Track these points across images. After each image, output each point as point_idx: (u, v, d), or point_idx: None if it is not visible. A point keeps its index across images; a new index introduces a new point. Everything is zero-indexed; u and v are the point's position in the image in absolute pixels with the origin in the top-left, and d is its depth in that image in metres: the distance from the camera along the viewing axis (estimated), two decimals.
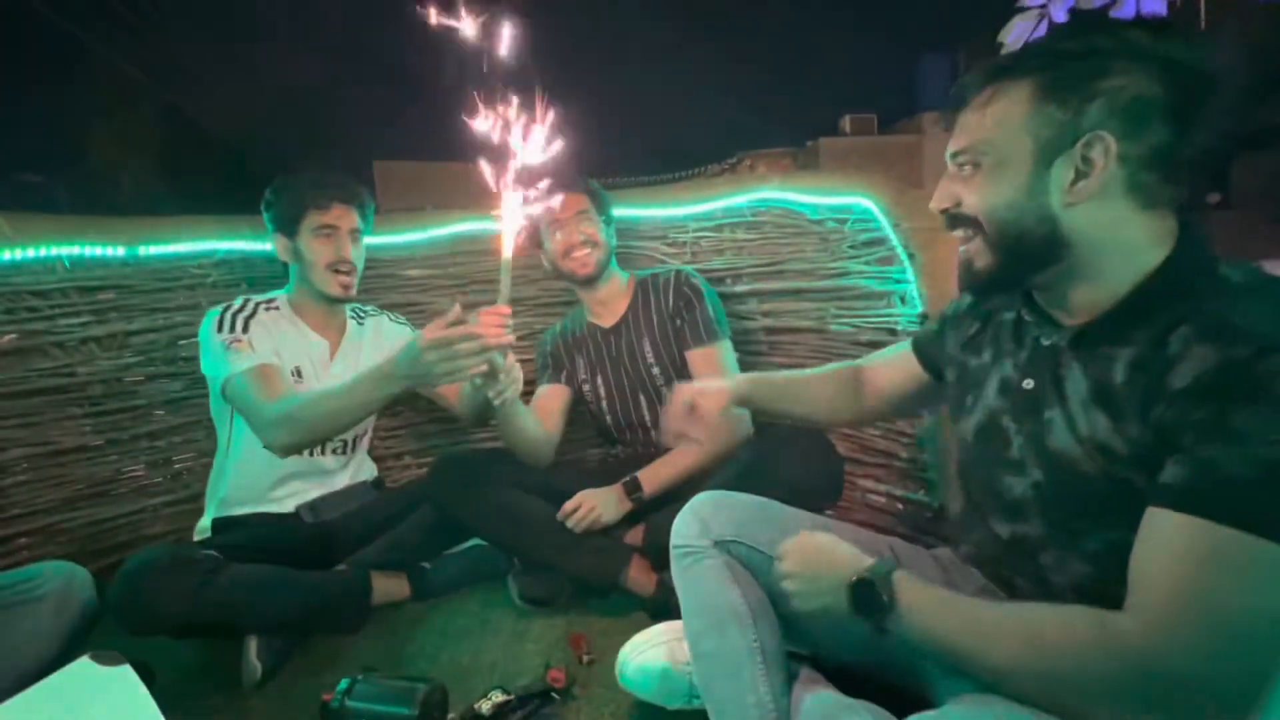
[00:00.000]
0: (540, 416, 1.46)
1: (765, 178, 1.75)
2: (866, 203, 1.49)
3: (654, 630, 1.02)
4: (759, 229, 1.73)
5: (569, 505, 1.32)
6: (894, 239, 1.45)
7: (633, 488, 1.35)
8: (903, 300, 1.47)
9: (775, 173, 1.87)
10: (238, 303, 1.38)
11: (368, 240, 1.50)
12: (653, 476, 1.36)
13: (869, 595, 0.67)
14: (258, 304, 1.40)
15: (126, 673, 0.85)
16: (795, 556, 0.76)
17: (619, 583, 1.29)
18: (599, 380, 1.56)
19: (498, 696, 0.99)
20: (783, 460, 1.20)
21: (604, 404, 1.56)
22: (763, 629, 0.80)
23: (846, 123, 12.95)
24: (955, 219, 0.72)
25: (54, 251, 1.48)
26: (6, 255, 1.43)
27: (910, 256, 1.42)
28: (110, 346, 1.56)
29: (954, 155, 0.71)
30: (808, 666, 0.87)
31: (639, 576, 1.29)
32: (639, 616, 1.24)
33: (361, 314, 1.57)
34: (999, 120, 0.66)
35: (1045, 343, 0.71)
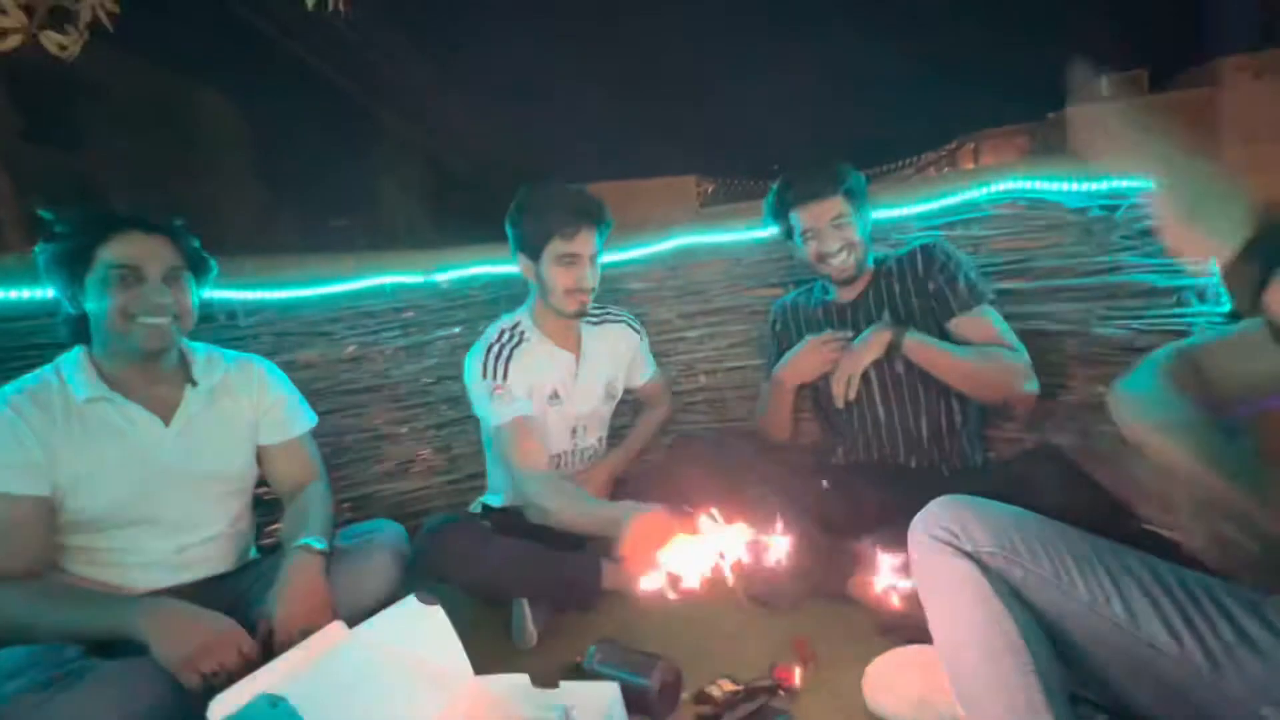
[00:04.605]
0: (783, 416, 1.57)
1: (1007, 164, 1.59)
2: (1145, 185, 1.27)
3: (901, 654, 0.98)
4: (999, 224, 1.58)
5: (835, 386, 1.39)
6: None
7: (898, 327, 1.36)
8: (1200, 296, 1.23)
9: (1005, 155, 1.67)
10: (494, 334, 1.51)
11: None
12: (922, 341, 1.34)
13: None
14: (510, 336, 1.51)
15: (439, 612, 1.07)
16: None
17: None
18: None
19: (728, 685, 1.05)
20: (1040, 482, 1.06)
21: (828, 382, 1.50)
22: (1038, 653, 0.72)
23: (1104, 84, 10.80)
24: None
25: (380, 281, 1.91)
26: (351, 286, 1.89)
27: None
28: (413, 355, 1.96)
29: None
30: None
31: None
32: (862, 626, 1.20)
33: (591, 316, 1.63)
34: None
35: None
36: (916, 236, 1.69)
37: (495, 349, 1.48)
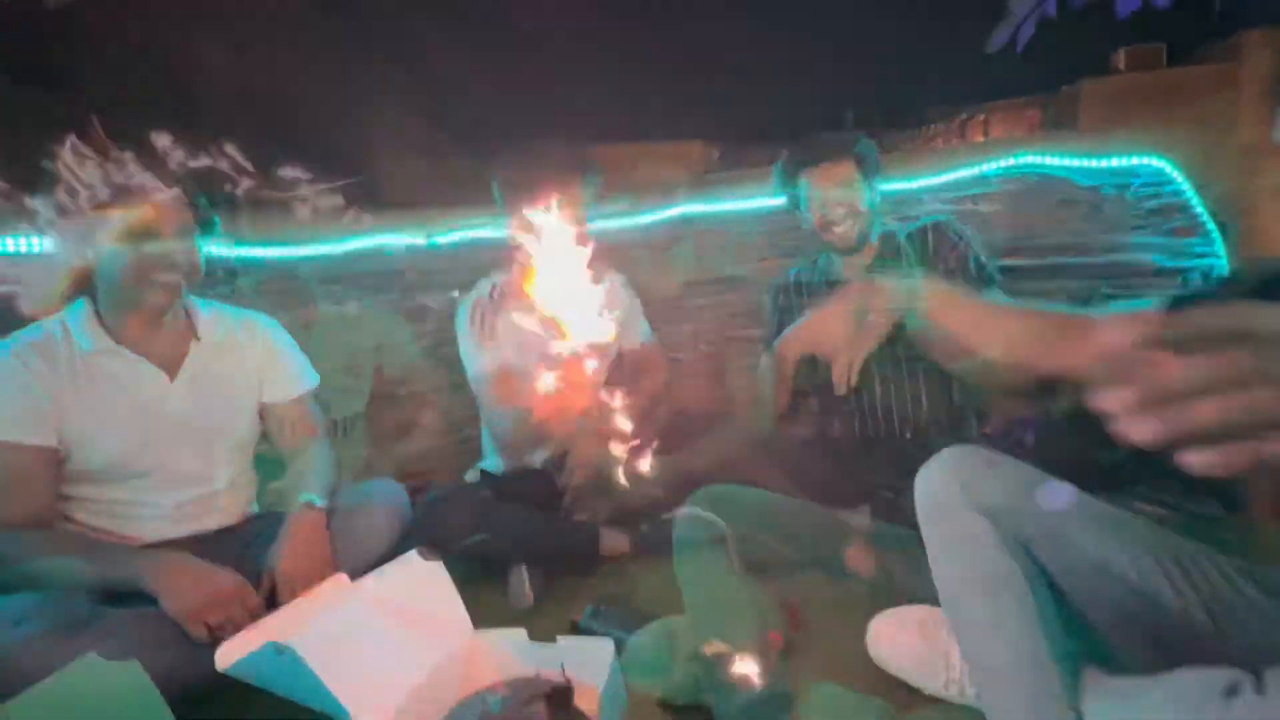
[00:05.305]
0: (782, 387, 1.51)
1: (1018, 139, 1.56)
2: (1158, 163, 1.26)
3: (905, 611, 1.02)
4: (1008, 199, 1.56)
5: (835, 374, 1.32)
6: (1197, 205, 1.20)
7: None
8: (1206, 277, 1.22)
9: (1015, 129, 1.65)
10: (485, 288, 1.57)
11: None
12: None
13: None
14: (500, 294, 1.56)
15: (440, 568, 1.09)
16: None
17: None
18: None
19: (719, 646, 1.07)
20: (1036, 451, 1.08)
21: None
22: (1042, 605, 0.72)
23: (1121, 57, 10.38)
24: None
25: (381, 241, 1.89)
26: (352, 246, 1.87)
27: (1222, 226, 1.17)
28: (413, 316, 1.95)
29: None
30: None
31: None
32: (855, 595, 1.23)
33: None
34: None
35: None
36: (926, 209, 1.67)
37: (484, 302, 1.54)
